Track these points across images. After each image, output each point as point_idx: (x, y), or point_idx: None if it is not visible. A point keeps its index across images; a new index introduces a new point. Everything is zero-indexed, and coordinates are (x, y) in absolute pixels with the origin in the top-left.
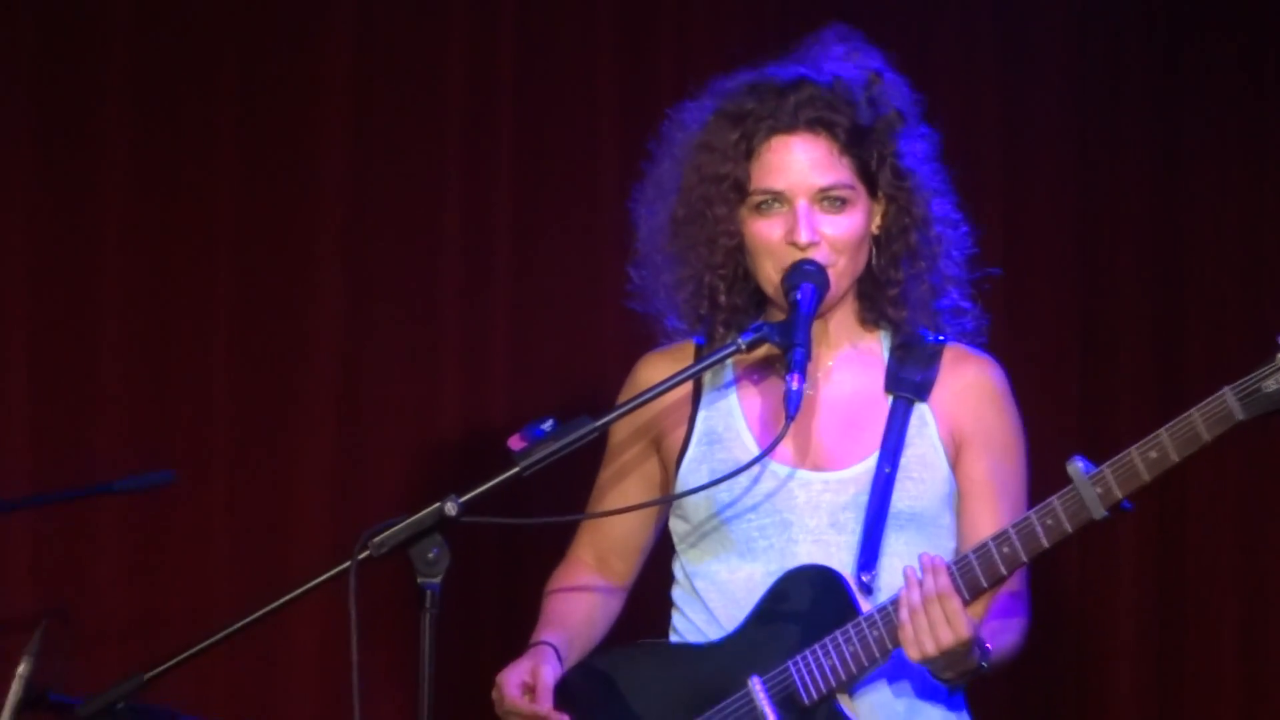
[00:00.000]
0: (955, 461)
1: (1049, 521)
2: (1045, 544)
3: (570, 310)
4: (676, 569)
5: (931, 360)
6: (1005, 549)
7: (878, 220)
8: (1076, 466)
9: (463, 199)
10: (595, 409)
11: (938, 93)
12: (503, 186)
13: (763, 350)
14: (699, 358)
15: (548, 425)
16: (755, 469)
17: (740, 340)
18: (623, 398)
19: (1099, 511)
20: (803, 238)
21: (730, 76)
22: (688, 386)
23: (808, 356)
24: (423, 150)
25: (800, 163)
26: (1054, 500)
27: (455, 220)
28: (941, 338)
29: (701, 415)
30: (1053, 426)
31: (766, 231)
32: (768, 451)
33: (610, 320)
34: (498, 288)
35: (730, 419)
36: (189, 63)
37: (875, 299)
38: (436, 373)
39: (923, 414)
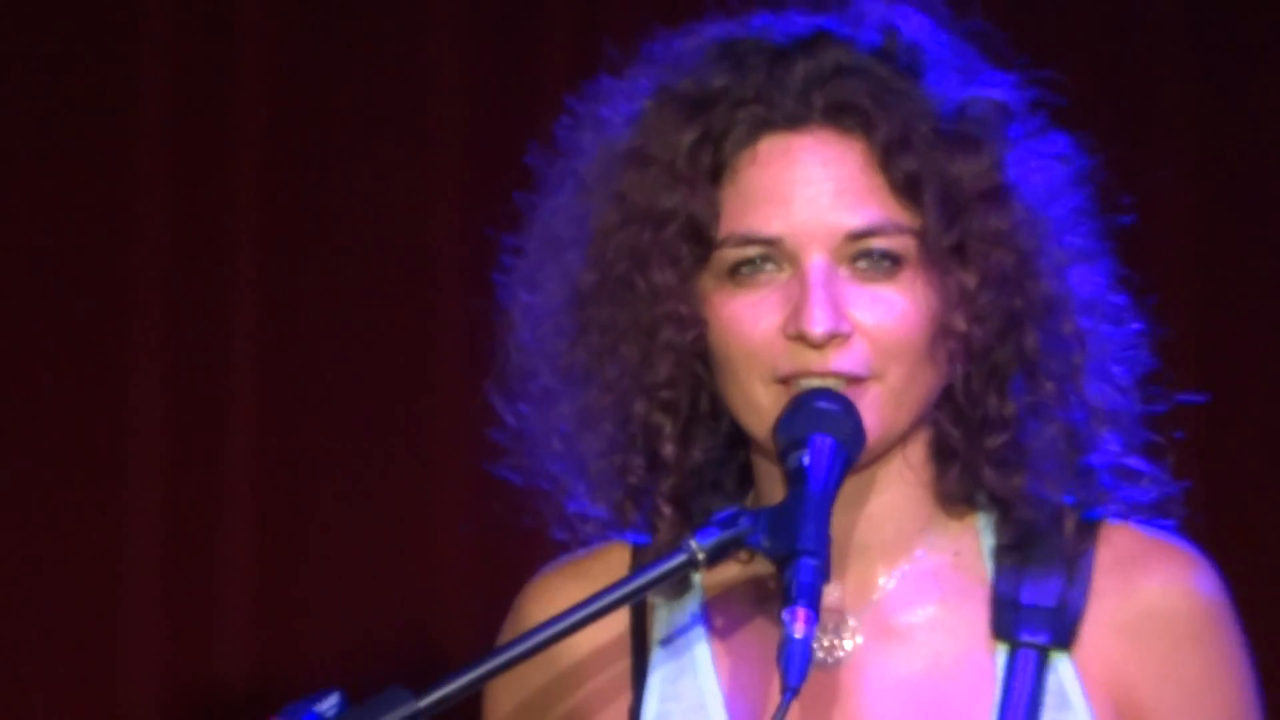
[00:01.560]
0: None
1: None
2: None
3: (380, 485)
4: None
5: (1074, 560)
6: None
7: (961, 302)
8: None
9: (170, 262)
10: (424, 675)
11: (1086, 78)
12: (246, 240)
13: (744, 566)
14: (636, 570)
15: (328, 707)
16: None
17: (693, 544)
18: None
19: None
20: (816, 325)
21: (686, 30)
22: (621, 628)
23: (824, 575)
24: (101, 175)
25: (815, 185)
26: None
27: (156, 306)
28: (1093, 510)
29: (653, 688)
30: None
31: (751, 317)
32: None
33: (453, 500)
34: (236, 436)
35: (699, 696)
36: None
37: (962, 452)
38: (120, 605)
39: (1062, 677)
